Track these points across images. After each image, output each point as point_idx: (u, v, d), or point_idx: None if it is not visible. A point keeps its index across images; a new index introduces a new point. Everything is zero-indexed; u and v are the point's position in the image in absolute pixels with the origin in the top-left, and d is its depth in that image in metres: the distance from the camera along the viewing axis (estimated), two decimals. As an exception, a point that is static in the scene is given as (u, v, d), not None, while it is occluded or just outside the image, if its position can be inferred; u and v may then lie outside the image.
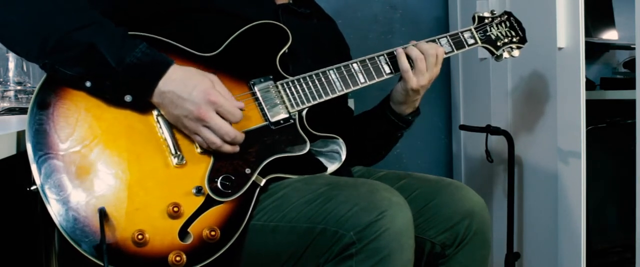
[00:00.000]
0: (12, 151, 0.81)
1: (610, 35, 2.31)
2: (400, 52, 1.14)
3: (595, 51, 2.35)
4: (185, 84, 0.89)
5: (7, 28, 0.88)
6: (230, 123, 0.92)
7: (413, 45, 1.15)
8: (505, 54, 1.28)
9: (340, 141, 1.07)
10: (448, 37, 1.21)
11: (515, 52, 1.29)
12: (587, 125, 1.47)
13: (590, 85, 2.03)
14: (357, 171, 1.25)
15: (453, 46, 1.21)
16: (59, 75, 0.86)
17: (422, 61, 1.13)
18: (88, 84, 0.86)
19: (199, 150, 0.93)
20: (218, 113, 0.90)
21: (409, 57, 1.14)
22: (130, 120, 0.90)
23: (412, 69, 1.13)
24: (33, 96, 0.86)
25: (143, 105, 0.90)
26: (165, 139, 0.91)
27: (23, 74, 1.32)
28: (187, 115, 0.89)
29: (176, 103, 0.88)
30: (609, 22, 2.31)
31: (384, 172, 1.23)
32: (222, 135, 0.91)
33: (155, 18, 1.04)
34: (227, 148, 0.92)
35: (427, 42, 1.17)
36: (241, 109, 0.93)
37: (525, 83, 1.70)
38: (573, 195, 1.51)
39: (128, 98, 0.88)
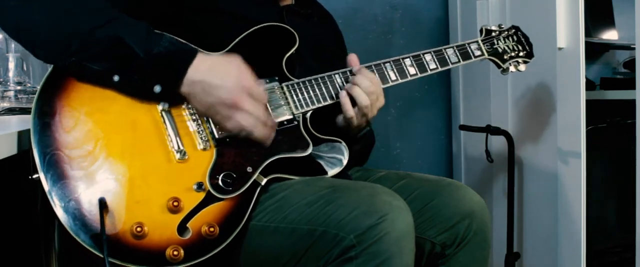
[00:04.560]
0: (12, 150, 0.81)
1: (610, 35, 2.32)
2: (344, 96, 1.06)
3: (595, 51, 2.35)
4: (215, 72, 0.89)
5: (30, 30, 0.87)
6: None
7: (354, 84, 1.06)
8: (512, 68, 1.29)
9: (343, 144, 1.06)
10: (455, 47, 1.22)
11: (522, 67, 1.30)
12: (587, 125, 1.47)
13: (590, 85, 2.03)
14: (356, 171, 1.25)
15: (459, 57, 1.21)
16: (86, 72, 0.86)
17: (368, 108, 1.06)
18: (116, 78, 0.87)
19: (201, 146, 0.93)
20: (250, 96, 0.91)
21: (353, 98, 1.06)
22: (135, 114, 0.90)
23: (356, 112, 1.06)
24: (38, 90, 0.86)
25: (171, 95, 0.90)
26: (169, 134, 0.91)
27: (23, 74, 1.32)
28: (221, 102, 0.90)
29: (209, 91, 0.89)
30: (609, 22, 2.31)
31: (384, 172, 1.23)
32: (257, 116, 0.92)
33: (162, 20, 1.03)
34: (260, 129, 0.93)
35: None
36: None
37: (525, 83, 1.70)
38: (573, 195, 1.51)
39: (157, 89, 0.88)
